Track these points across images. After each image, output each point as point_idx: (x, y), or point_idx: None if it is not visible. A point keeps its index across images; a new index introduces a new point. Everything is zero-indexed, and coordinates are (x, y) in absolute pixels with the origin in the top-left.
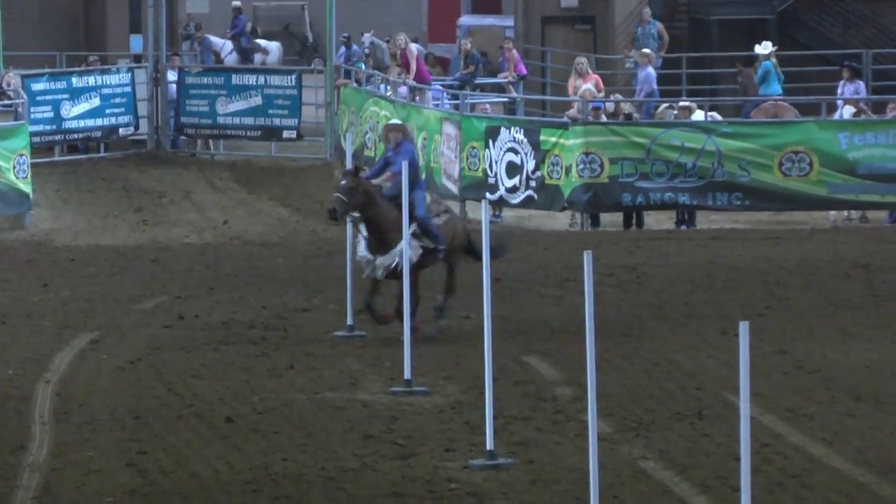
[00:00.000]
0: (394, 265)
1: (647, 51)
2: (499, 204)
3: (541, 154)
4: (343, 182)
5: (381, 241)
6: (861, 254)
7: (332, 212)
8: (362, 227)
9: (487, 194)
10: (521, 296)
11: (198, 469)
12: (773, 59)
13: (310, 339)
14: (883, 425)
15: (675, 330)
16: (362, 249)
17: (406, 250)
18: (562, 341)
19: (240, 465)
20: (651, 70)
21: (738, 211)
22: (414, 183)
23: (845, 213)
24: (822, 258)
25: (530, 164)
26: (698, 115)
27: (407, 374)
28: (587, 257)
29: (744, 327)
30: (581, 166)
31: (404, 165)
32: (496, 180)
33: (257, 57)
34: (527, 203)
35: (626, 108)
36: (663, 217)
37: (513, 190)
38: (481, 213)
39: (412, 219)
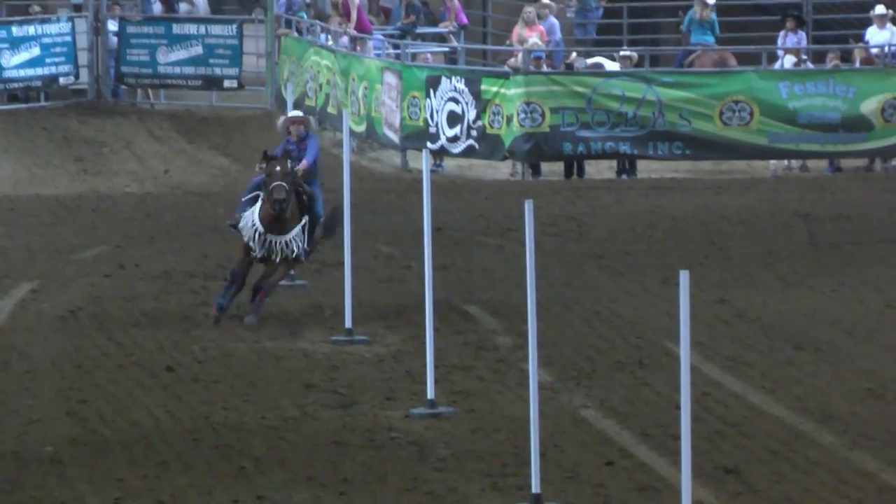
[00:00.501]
0: (291, 252)
1: (546, 0)
2: (440, 153)
3: (482, 104)
4: (278, 168)
5: (280, 221)
6: (801, 203)
7: (281, 203)
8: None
9: (428, 144)
10: (462, 245)
11: (139, 418)
12: (700, 8)
13: (250, 288)
14: (822, 373)
15: (616, 279)
16: (252, 218)
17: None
18: (503, 291)
19: (181, 414)
20: (553, 20)
21: (678, 160)
22: (314, 177)
23: (785, 162)
24: (763, 207)
25: (471, 114)
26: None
27: (348, 324)
28: (528, 206)
29: (684, 276)
30: (522, 116)
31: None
32: (437, 130)
33: (183, 6)
34: (468, 152)
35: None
36: (604, 166)
37: (454, 139)
38: (422, 162)
39: (312, 214)
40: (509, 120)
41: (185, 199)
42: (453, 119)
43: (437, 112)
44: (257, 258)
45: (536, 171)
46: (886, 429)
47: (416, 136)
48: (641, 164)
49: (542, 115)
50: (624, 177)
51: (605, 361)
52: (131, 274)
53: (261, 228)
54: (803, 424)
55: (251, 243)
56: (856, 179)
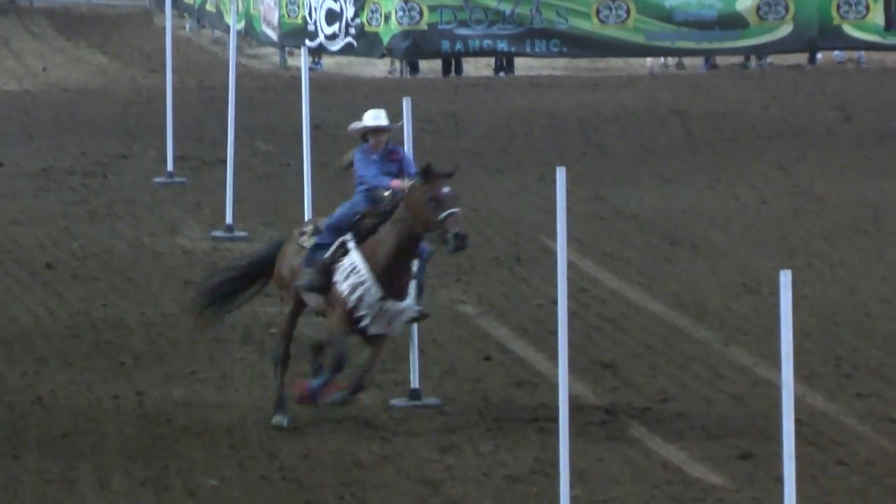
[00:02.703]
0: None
1: None
2: (318, 51)
3: (360, 2)
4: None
5: (401, 280)
6: (677, 100)
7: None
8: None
9: (307, 41)
10: (340, 143)
11: (18, 315)
12: None
13: (130, 185)
14: (698, 269)
15: (494, 176)
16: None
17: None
18: None
19: (60, 311)
20: None
21: (556, 58)
22: None
23: (662, 59)
24: (639, 105)
25: (350, 12)
26: None
27: (228, 220)
28: (406, 104)
29: (561, 173)
30: (400, 14)
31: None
32: (315, 27)
33: None
34: (346, 50)
35: None
36: (482, 64)
37: (332, 37)
38: (301, 60)
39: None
40: (387, 18)
41: (64, 96)
42: (332, 17)
43: (315, 10)
44: (369, 331)
45: (414, 68)
46: (761, 324)
47: (295, 34)
48: (519, 62)
49: (420, 13)
50: (501, 74)
51: (482, 258)
52: (10, 171)
53: (377, 291)
54: (679, 320)
55: (361, 309)
56: (731, 77)
